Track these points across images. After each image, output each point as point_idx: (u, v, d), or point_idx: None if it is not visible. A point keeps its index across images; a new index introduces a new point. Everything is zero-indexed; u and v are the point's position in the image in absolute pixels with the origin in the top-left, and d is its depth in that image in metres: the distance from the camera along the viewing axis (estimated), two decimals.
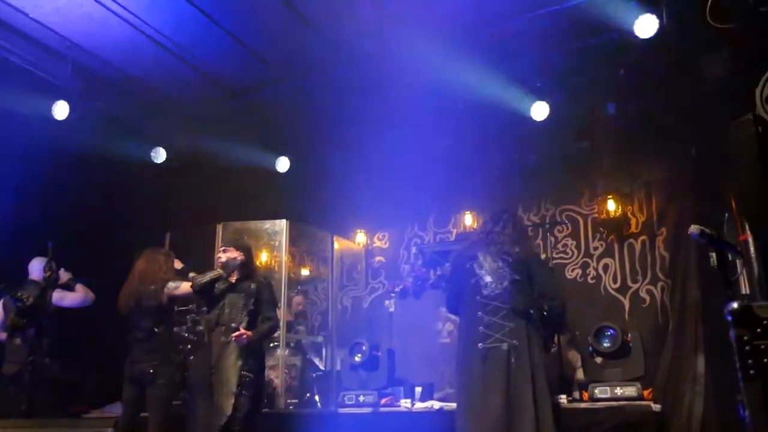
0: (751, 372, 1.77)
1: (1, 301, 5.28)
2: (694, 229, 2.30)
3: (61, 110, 5.85)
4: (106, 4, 4.94)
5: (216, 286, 4.78)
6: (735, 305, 1.89)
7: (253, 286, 4.76)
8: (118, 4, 4.95)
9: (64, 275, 5.39)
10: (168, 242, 6.61)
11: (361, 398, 5.47)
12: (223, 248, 4.91)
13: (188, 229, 6.69)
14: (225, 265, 4.79)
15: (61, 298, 5.36)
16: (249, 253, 4.93)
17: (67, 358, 5.55)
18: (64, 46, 5.46)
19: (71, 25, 5.24)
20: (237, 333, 4.46)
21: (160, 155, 6.93)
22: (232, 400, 4.36)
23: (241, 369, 4.48)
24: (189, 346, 6.25)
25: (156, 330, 4.83)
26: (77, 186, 6.31)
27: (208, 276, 4.78)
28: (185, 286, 4.96)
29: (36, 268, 5.30)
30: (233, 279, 4.80)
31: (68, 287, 5.46)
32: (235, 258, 4.80)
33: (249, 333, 4.51)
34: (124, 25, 5.20)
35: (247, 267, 4.85)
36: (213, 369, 4.49)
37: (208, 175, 7.03)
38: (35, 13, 5.03)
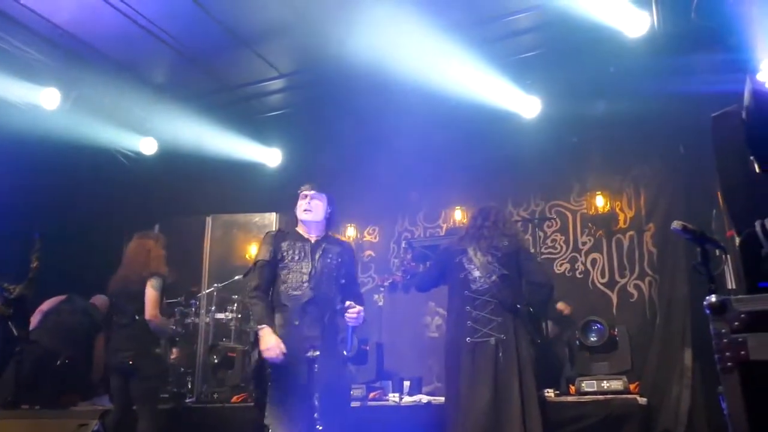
0: (729, 364, 1.80)
1: None
2: (676, 224, 2.32)
3: (51, 99, 5.82)
4: None
5: (286, 248, 3.72)
6: (713, 299, 1.92)
7: (337, 249, 3.81)
8: None
9: None
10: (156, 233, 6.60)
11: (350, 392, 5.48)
12: (313, 193, 3.83)
13: (177, 220, 6.69)
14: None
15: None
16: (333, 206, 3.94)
17: (57, 349, 5.54)
18: (56, 34, 5.43)
19: (63, 12, 5.21)
20: (355, 310, 3.53)
21: (150, 146, 6.91)
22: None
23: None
24: (177, 339, 6.25)
25: (137, 317, 4.79)
26: (66, 176, 6.28)
27: None
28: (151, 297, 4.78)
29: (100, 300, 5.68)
30: (312, 238, 3.81)
31: None
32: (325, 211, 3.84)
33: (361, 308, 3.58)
34: (116, 14, 5.19)
35: (332, 223, 3.95)
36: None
37: (198, 166, 7.01)
38: (26, 0, 5.00)
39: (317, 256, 3.71)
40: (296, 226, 3.88)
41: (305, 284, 3.61)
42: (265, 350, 3.42)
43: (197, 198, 7.24)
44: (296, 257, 3.69)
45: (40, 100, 5.81)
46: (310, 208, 3.77)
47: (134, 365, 4.63)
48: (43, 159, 5.94)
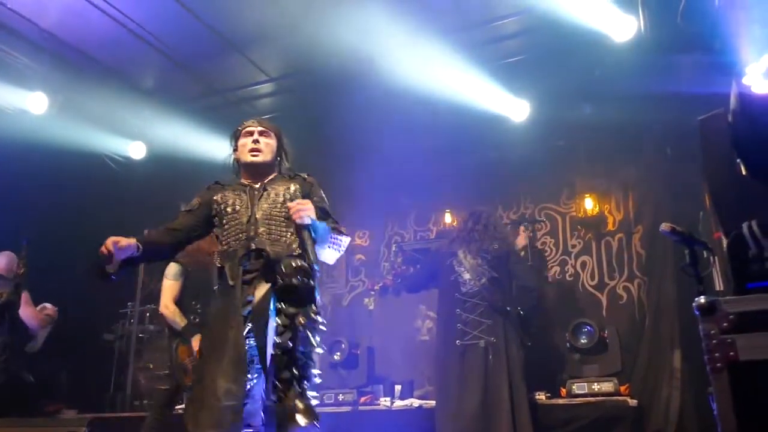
0: (719, 365, 1.81)
1: None
2: (665, 226, 2.34)
3: (38, 103, 5.78)
4: None
5: (221, 201, 2.97)
6: (702, 300, 1.94)
7: (291, 184, 2.99)
8: None
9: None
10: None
11: (341, 397, 5.47)
12: (261, 129, 3.05)
13: (166, 225, 6.64)
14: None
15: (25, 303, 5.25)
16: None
17: (43, 357, 5.50)
18: (43, 37, 5.40)
19: (50, 16, 5.19)
20: (297, 204, 2.73)
21: (139, 150, 6.88)
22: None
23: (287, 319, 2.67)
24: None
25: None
26: (54, 181, 6.24)
27: None
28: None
29: (3, 263, 5.20)
30: (257, 185, 3.00)
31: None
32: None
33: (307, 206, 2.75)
34: (104, 17, 5.17)
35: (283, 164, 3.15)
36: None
37: (188, 170, 6.98)
38: (13, 4, 4.98)
39: (260, 200, 2.91)
40: (239, 177, 3.10)
41: (242, 234, 2.83)
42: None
43: (186, 201, 7.19)
44: (233, 208, 2.92)
45: (27, 105, 5.78)
46: (260, 148, 2.99)
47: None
48: (31, 164, 5.90)
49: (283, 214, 2.86)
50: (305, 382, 2.65)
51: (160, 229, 3.01)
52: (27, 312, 5.21)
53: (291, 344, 2.61)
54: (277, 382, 2.61)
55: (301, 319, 2.63)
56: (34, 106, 5.80)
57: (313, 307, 2.70)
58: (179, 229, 2.99)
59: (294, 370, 2.61)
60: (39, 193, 6.12)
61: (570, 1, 4.83)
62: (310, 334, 2.67)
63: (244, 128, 3.04)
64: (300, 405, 2.57)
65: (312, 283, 2.71)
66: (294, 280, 2.65)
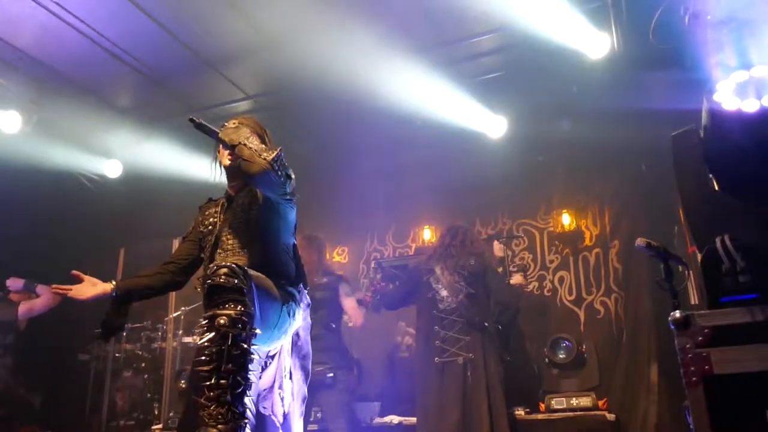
0: (694, 378, 1.83)
1: None
2: (640, 241, 2.37)
3: (11, 122, 5.71)
4: (61, 16, 4.87)
5: (201, 221, 2.85)
6: (677, 314, 1.96)
7: (253, 190, 2.79)
8: (74, 15, 4.88)
9: (15, 282, 5.16)
10: (122, 259, 6.49)
11: (320, 414, 5.41)
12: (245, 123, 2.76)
13: (143, 243, 6.59)
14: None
15: (30, 309, 5.14)
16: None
17: (18, 376, 5.40)
18: (17, 57, 5.35)
19: (25, 36, 5.14)
20: None
21: (115, 169, 6.82)
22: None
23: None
24: (143, 365, 6.14)
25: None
26: (28, 200, 6.15)
27: None
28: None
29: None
30: (233, 190, 2.84)
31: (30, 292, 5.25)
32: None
33: None
34: (80, 37, 5.13)
35: None
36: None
37: (164, 189, 6.93)
38: None
39: (225, 212, 2.76)
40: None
41: (209, 256, 2.67)
42: None
43: (163, 221, 7.14)
44: (207, 228, 2.79)
45: (0, 124, 5.70)
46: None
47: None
48: (4, 183, 5.81)
49: (243, 221, 2.66)
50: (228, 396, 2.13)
51: (155, 267, 2.87)
52: (41, 304, 5.17)
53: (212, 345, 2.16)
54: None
55: (221, 320, 2.17)
56: (8, 125, 5.72)
57: (240, 309, 2.21)
58: (172, 261, 2.85)
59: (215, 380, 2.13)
60: (12, 213, 6.02)
61: (545, 18, 4.89)
62: (235, 337, 2.17)
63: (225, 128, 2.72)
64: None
65: (238, 282, 2.24)
66: (219, 280, 2.23)
